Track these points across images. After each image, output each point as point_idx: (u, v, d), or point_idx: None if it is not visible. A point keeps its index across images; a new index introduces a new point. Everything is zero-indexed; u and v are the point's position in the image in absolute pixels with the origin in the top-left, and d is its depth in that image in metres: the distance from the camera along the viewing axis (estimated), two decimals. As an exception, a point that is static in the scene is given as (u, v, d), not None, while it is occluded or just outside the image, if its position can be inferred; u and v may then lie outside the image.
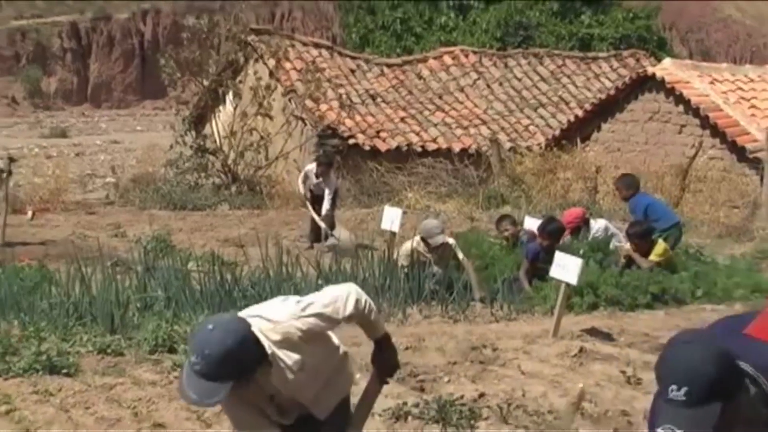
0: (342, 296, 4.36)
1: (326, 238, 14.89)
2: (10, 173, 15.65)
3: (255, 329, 4.14)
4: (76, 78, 67.44)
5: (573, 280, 9.39)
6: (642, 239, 11.71)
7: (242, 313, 4.32)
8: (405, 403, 7.31)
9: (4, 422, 7.03)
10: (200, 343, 4.03)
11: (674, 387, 3.53)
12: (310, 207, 15.53)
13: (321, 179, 15.58)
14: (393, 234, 12.53)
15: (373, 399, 4.70)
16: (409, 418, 7.12)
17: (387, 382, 4.74)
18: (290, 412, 4.44)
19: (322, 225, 15.15)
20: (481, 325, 10.17)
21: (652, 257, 11.49)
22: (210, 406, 4.35)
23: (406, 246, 11.72)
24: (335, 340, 4.61)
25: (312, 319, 4.25)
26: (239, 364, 4.03)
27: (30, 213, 17.23)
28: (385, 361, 4.61)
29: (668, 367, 3.60)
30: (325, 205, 15.35)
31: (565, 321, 9.32)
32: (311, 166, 15.96)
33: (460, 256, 11.61)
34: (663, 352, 3.67)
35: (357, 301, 4.36)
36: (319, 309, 4.29)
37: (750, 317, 3.83)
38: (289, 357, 4.21)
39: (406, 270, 11.40)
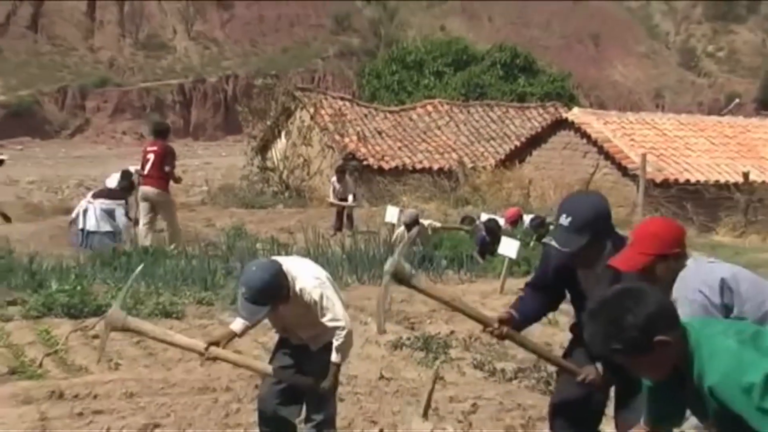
0: (340, 320, 4.17)
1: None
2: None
3: (288, 275, 4.11)
4: (182, 121, 67.29)
5: (513, 255, 9.40)
6: (537, 228, 11.77)
7: (282, 259, 4.26)
8: (401, 338, 7.32)
9: (136, 349, 7.04)
10: (246, 278, 4.09)
11: (564, 215, 3.54)
12: (339, 203, 15.59)
13: (340, 185, 15.64)
14: (393, 225, 12.53)
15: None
16: (404, 347, 7.14)
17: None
18: (292, 336, 4.38)
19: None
20: (452, 285, 10.16)
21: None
22: (254, 321, 4.33)
23: (398, 231, 11.75)
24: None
25: (318, 301, 4.13)
26: (272, 294, 4.05)
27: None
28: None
29: (566, 203, 3.63)
30: (350, 200, 15.44)
31: (508, 283, 9.33)
32: (333, 179, 16.06)
33: (426, 222, 11.80)
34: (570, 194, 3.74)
35: (345, 333, 4.17)
36: (324, 304, 4.13)
37: None
38: (297, 303, 4.15)
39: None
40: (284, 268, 4.13)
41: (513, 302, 3.94)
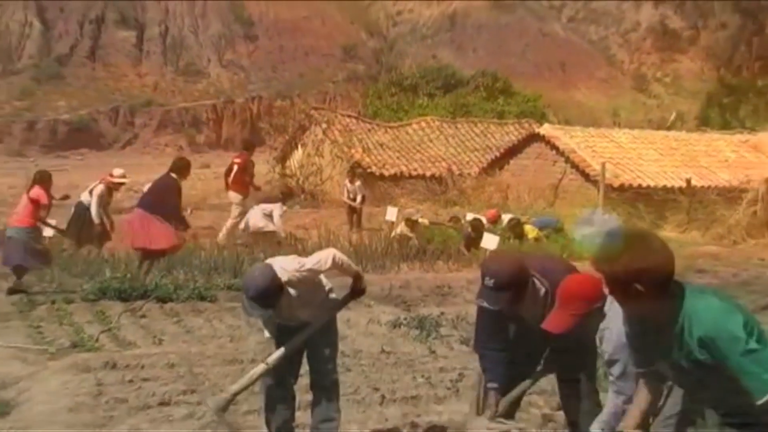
0: (324, 257, 4.11)
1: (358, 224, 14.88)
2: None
3: (277, 272, 3.96)
4: (214, 135, 67.23)
5: (493, 247, 9.38)
6: (513, 229, 11.74)
7: (270, 260, 4.11)
8: (398, 318, 7.31)
9: (176, 327, 7.03)
10: (249, 284, 3.91)
11: (488, 278, 3.42)
12: (349, 202, 15.46)
13: (351, 185, 15.57)
14: (392, 222, 12.52)
15: (345, 304, 4.45)
16: (401, 326, 7.12)
17: (356, 298, 4.47)
18: (294, 320, 4.18)
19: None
20: (442, 273, 10.16)
21: (530, 237, 11.72)
22: (261, 317, 4.16)
23: (397, 230, 11.74)
24: (326, 287, 4.30)
25: (306, 272, 4.05)
26: (271, 294, 3.90)
27: (189, 210, 17.05)
28: (356, 287, 4.38)
29: (487, 267, 3.45)
30: (358, 201, 15.32)
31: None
32: (346, 180, 16.01)
33: (420, 220, 11.78)
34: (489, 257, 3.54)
35: (333, 259, 4.11)
36: (310, 266, 4.06)
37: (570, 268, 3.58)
38: (292, 290, 4.03)
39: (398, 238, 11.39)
40: (275, 267, 4.01)
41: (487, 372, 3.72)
